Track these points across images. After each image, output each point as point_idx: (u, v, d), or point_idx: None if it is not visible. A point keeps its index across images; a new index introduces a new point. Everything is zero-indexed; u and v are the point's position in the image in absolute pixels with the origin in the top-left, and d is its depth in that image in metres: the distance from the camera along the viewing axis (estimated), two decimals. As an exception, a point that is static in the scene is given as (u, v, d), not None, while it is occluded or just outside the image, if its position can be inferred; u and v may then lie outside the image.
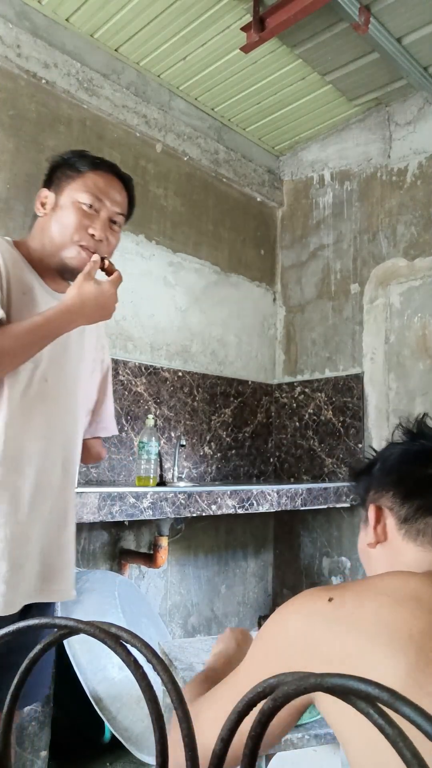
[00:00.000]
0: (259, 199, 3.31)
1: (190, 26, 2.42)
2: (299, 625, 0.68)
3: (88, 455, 1.42)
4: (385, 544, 0.82)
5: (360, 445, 2.89)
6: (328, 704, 0.65)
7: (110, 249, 1.24)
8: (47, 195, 1.23)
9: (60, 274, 1.24)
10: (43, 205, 1.23)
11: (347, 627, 0.64)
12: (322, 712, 0.66)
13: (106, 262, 1.21)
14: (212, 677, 0.88)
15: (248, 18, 2.32)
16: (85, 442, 1.38)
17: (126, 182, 1.27)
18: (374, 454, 0.94)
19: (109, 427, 1.45)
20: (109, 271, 1.22)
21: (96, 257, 1.19)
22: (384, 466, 0.87)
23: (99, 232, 1.20)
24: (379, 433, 2.85)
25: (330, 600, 0.68)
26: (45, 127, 2.38)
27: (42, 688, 1.30)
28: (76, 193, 1.20)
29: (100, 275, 1.19)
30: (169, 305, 2.79)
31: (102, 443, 1.48)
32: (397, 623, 0.62)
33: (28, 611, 1.18)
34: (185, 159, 2.91)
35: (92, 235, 1.20)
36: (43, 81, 2.37)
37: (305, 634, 0.66)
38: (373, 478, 0.88)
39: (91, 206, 1.20)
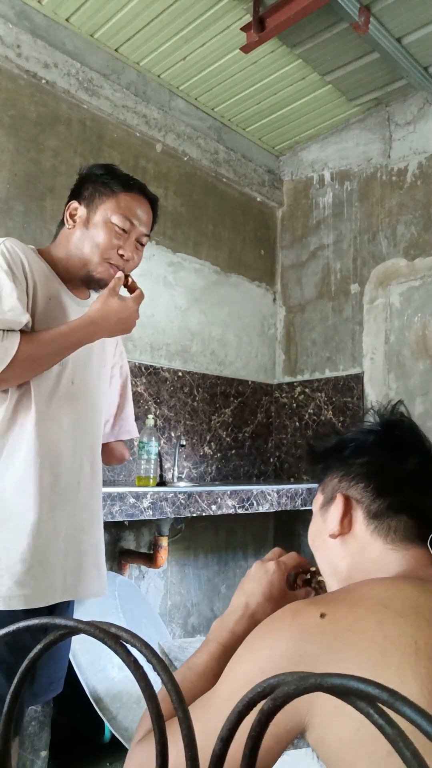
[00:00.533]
0: (259, 199, 3.31)
1: (190, 26, 2.42)
2: (287, 648, 0.60)
3: (112, 457, 1.51)
4: (347, 537, 0.77)
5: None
6: (324, 731, 0.58)
7: (134, 266, 1.32)
8: (77, 208, 1.29)
9: (85, 284, 1.31)
10: (72, 217, 1.29)
11: (347, 645, 0.58)
12: (315, 743, 0.59)
13: (130, 280, 1.29)
14: (232, 648, 0.75)
15: (248, 18, 2.32)
16: (109, 444, 1.48)
17: (153, 203, 1.36)
18: (336, 434, 0.87)
19: (131, 430, 1.54)
20: (131, 288, 1.29)
21: (120, 274, 1.27)
22: (356, 453, 0.80)
23: (128, 253, 1.28)
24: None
25: (322, 616, 0.62)
26: (45, 127, 2.38)
27: (57, 684, 1.31)
28: (110, 213, 1.26)
29: (123, 291, 1.27)
30: (169, 305, 2.80)
31: (124, 445, 1.56)
32: (402, 638, 0.57)
33: (54, 609, 1.21)
34: (185, 159, 2.91)
35: (121, 255, 1.27)
36: (43, 81, 2.37)
37: (296, 658, 0.59)
38: (341, 462, 0.81)
39: (123, 229, 1.26)
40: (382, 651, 0.57)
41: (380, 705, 0.25)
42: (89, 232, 1.26)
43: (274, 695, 0.28)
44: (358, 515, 0.77)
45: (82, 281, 1.30)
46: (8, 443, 1.16)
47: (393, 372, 2.85)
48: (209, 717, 0.61)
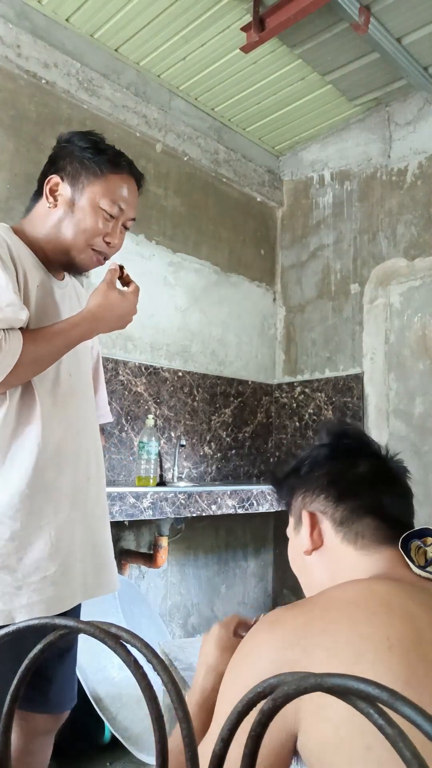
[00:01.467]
0: (259, 199, 3.31)
1: (190, 26, 2.42)
2: (270, 659, 0.61)
3: None
4: (322, 550, 0.79)
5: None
6: (306, 736, 0.58)
7: (117, 250, 1.24)
8: (58, 184, 1.17)
9: (63, 268, 1.23)
10: (52, 193, 1.17)
11: (323, 647, 0.59)
12: (301, 749, 0.59)
13: (124, 272, 1.21)
14: (209, 701, 0.80)
15: (248, 18, 2.32)
16: None
17: (140, 181, 1.25)
18: (294, 457, 0.90)
19: (105, 414, 1.45)
20: (125, 280, 1.21)
21: (115, 266, 1.20)
22: (313, 469, 0.83)
23: (115, 240, 1.20)
24: (379, 433, 2.85)
25: (301, 622, 0.63)
26: (45, 127, 2.38)
27: (72, 693, 1.29)
28: (99, 197, 1.16)
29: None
30: (169, 305, 2.80)
31: (100, 430, 1.45)
32: (375, 635, 0.59)
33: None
34: (185, 159, 2.91)
35: (108, 243, 1.19)
36: (43, 81, 2.37)
37: (279, 666, 0.60)
38: (300, 481, 0.83)
39: (110, 215, 1.17)
40: (356, 650, 0.58)
41: (380, 705, 0.25)
42: (74, 216, 1.16)
43: (274, 695, 0.28)
44: (326, 526, 0.79)
45: (60, 265, 1.21)
46: (13, 445, 1.08)
47: (393, 372, 2.85)
48: (208, 742, 0.64)
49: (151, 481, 2.25)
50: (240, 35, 2.41)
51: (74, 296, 1.30)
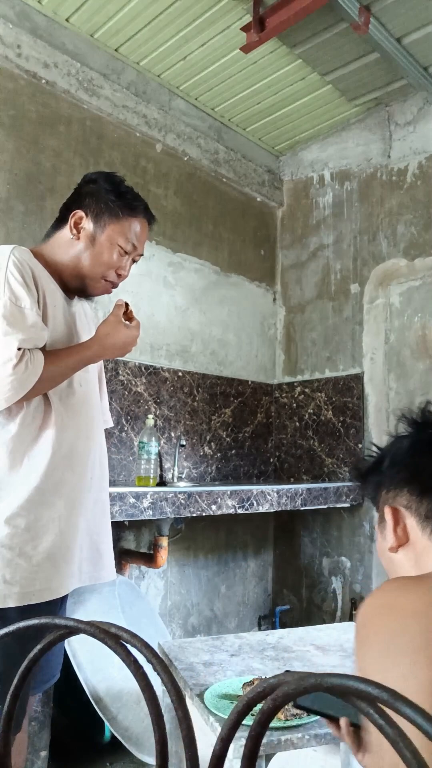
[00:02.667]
0: (259, 199, 3.31)
1: (190, 26, 2.42)
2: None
3: None
4: (408, 547, 0.76)
5: (360, 445, 2.89)
6: None
7: (124, 279, 1.41)
8: (82, 218, 1.33)
9: (75, 292, 1.38)
10: (76, 226, 1.33)
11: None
12: None
13: (129, 308, 1.39)
14: None
15: (248, 18, 2.32)
16: None
17: (150, 222, 1.42)
18: (377, 450, 0.88)
19: (107, 420, 1.56)
20: (129, 317, 1.38)
21: (122, 302, 1.37)
22: (394, 462, 0.81)
23: (125, 272, 1.38)
24: (379, 433, 2.85)
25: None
26: (45, 127, 2.38)
27: (55, 671, 1.38)
28: (117, 236, 1.33)
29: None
30: (169, 305, 2.80)
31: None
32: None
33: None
34: (185, 159, 2.91)
35: (119, 275, 1.37)
36: (43, 81, 2.37)
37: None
38: (383, 476, 0.82)
39: (125, 251, 1.35)
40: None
41: (380, 705, 0.25)
42: (94, 249, 1.32)
43: (274, 695, 0.28)
44: (411, 522, 0.76)
45: (74, 289, 1.37)
46: (33, 448, 1.22)
47: (393, 372, 2.85)
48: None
49: (151, 481, 2.25)
50: (240, 35, 2.41)
51: (83, 314, 1.44)
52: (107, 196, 1.34)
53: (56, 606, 1.26)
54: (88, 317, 1.49)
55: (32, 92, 2.35)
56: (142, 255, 1.42)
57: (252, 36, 2.31)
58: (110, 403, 2.44)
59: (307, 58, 2.58)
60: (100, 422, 1.42)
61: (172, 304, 2.81)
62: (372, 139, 3.03)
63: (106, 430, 1.50)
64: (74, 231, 1.33)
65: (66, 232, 1.34)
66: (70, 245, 1.33)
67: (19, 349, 1.13)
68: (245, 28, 2.35)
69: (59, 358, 1.23)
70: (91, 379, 1.40)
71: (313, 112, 3.03)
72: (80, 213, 1.33)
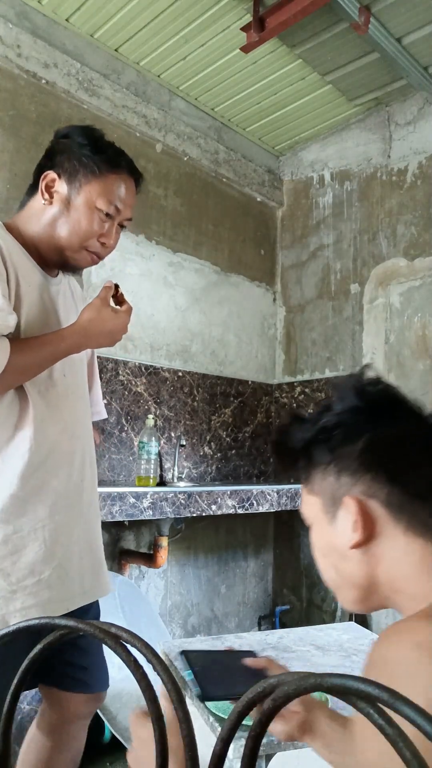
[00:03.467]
0: (259, 199, 3.31)
1: (190, 26, 2.42)
2: None
3: None
4: (372, 544, 0.65)
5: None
6: None
7: (112, 250, 1.22)
8: (55, 180, 1.15)
9: (57, 266, 1.21)
10: (48, 190, 1.15)
11: None
12: None
13: (119, 291, 1.21)
14: None
15: (248, 18, 2.32)
16: None
17: (138, 181, 1.23)
18: (299, 419, 0.72)
19: (100, 411, 1.44)
20: (120, 300, 1.21)
21: (110, 284, 1.19)
22: (348, 440, 0.66)
23: (110, 240, 1.18)
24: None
25: None
26: (45, 127, 2.38)
27: (105, 675, 1.32)
28: (96, 197, 1.13)
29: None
30: (169, 305, 2.80)
31: (95, 428, 1.43)
32: None
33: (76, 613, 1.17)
34: (185, 159, 2.91)
35: (103, 243, 1.18)
36: (43, 81, 2.37)
37: None
38: (334, 456, 0.67)
39: (107, 214, 1.15)
40: None
41: (380, 705, 0.25)
42: (70, 215, 1.14)
43: (274, 695, 0.28)
44: (380, 514, 0.64)
45: (54, 263, 1.19)
46: (6, 449, 1.08)
47: (393, 372, 2.85)
48: None
49: (151, 481, 2.25)
50: (240, 35, 2.41)
51: (69, 293, 1.28)
52: (82, 150, 1.14)
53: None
54: (76, 297, 1.31)
55: (32, 92, 2.35)
56: (130, 219, 1.22)
57: (252, 36, 2.31)
58: (110, 403, 2.44)
59: (307, 58, 2.58)
60: (88, 417, 1.26)
61: (172, 304, 2.81)
62: (372, 139, 3.03)
63: (105, 428, 1.42)
64: (46, 195, 1.14)
65: (38, 198, 1.16)
66: (43, 212, 1.15)
67: None
68: (245, 28, 2.34)
69: (30, 348, 1.06)
70: (78, 368, 1.24)
71: (313, 112, 3.03)
72: (52, 174, 1.14)
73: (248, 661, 0.94)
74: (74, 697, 1.25)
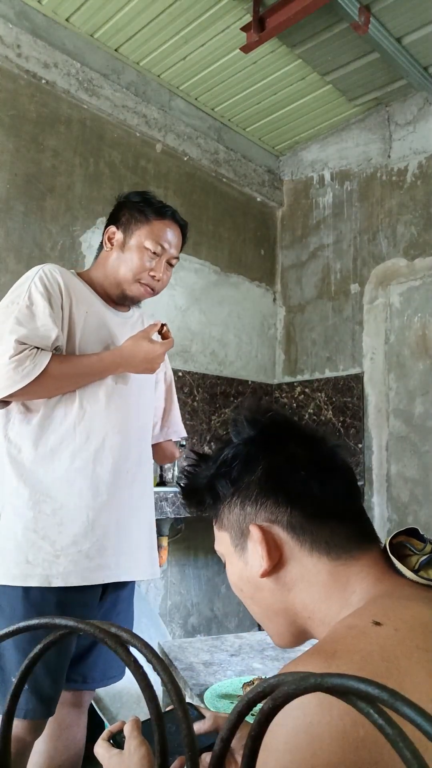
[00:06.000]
0: (259, 199, 3.31)
1: (190, 26, 2.42)
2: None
3: (163, 456, 1.64)
4: (281, 569, 0.65)
5: (360, 445, 2.89)
6: None
7: (164, 284, 1.45)
8: (115, 232, 1.41)
9: (120, 301, 1.44)
10: (110, 240, 1.41)
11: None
12: None
13: (165, 328, 1.42)
14: None
15: (248, 18, 2.32)
16: (159, 444, 1.60)
17: (183, 228, 1.46)
18: (197, 459, 0.74)
19: (179, 430, 1.64)
20: (164, 336, 1.42)
21: (158, 322, 1.41)
22: (245, 470, 0.68)
23: (159, 274, 1.40)
24: (379, 432, 2.85)
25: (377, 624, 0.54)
26: (45, 127, 2.38)
27: (118, 672, 1.42)
28: (144, 239, 1.38)
29: (155, 336, 1.40)
30: (169, 305, 2.79)
31: (174, 445, 1.65)
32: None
33: (108, 589, 1.34)
34: (185, 159, 2.91)
35: (153, 276, 1.40)
36: (43, 81, 2.37)
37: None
38: (233, 488, 0.68)
39: (154, 252, 1.38)
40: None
41: (380, 705, 0.25)
42: (124, 255, 1.39)
43: (274, 695, 0.28)
44: (284, 538, 0.65)
45: (117, 298, 1.42)
46: (66, 439, 1.28)
47: (393, 372, 2.85)
48: None
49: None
50: (240, 35, 2.41)
51: (134, 327, 1.48)
52: (135, 205, 1.41)
53: (90, 595, 1.27)
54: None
55: (32, 92, 2.35)
56: (177, 258, 1.45)
57: (252, 36, 2.31)
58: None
59: (307, 58, 2.58)
60: (142, 423, 1.44)
61: (172, 304, 2.81)
62: (372, 139, 3.03)
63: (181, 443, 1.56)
64: (108, 244, 1.41)
65: (104, 249, 1.43)
66: (106, 257, 1.42)
67: (22, 343, 1.21)
68: (245, 28, 2.34)
69: (70, 361, 1.28)
70: (134, 380, 1.42)
71: (313, 112, 3.03)
72: (112, 228, 1.41)
73: (198, 727, 0.81)
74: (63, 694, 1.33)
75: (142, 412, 1.45)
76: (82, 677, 1.35)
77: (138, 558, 1.36)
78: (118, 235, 1.41)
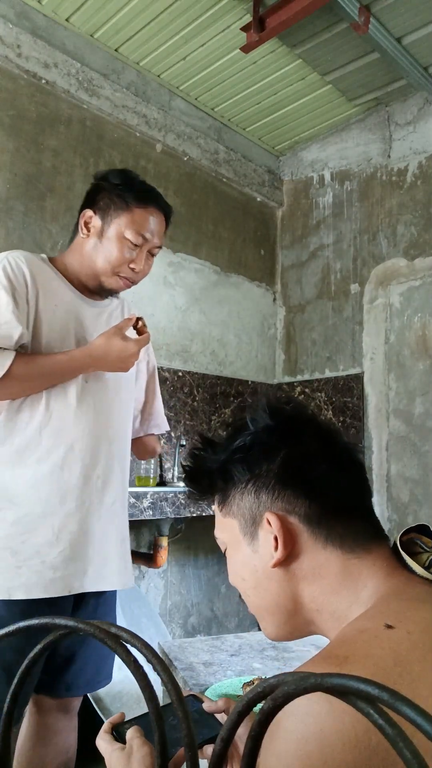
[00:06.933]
0: (259, 199, 3.31)
1: (190, 26, 2.42)
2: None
3: (144, 451, 1.54)
4: (292, 561, 0.64)
5: (360, 445, 2.89)
6: None
7: (144, 275, 1.35)
8: (92, 217, 1.30)
9: (96, 292, 1.35)
10: (86, 225, 1.30)
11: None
12: None
13: (140, 323, 1.32)
14: None
15: (248, 18, 2.32)
16: (140, 439, 1.50)
17: (167, 214, 1.36)
18: (205, 443, 0.74)
19: (161, 424, 1.54)
20: (140, 331, 1.32)
21: (133, 316, 1.32)
22: (263, 456, 0.67)
23: (139, 266, 1.31)
24: (379, 433, 2.85)
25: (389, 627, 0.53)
26: (45, 127, 2.38)
27: (104, 677, 1.36)
28: (124, 228, 1.28)
29: (131, 332, 1.30)
30: (169, 305, 2.79)
31: (156, 439, 1.56)
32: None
33: (85, 598, 1.27)
34: (185, 159, 2.91)
35: (132, 269, 1.31)
36: (43, 81, 2.37)
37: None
38: (250, 474, 0.67)
39: (135, 244, 1.29)
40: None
41: (380, 705, 0.25)
42: (102, 245, 1.29)
43: (274, 695, 0.28)
44: (300, 530, 0.64)
45: (94, 289, 1.33)
46: (21, 445, 1.20)
47: (393, 372, 2.85)
48: None
49: (151, 481, 2.25)
50: (240, 35, 2.41)
51: (119, 317, 1.40)
52: (115, 188, 1.30)
53: (60, 607, 1.20)
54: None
55: (32, 92, 2.35)
56: (159, 247, 1.36)
57: (252, 36, 2.31)
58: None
59: (307, 58, 2.58)
60: (119, 424, 1.34)
61: (172, 304, 2.81)
62: (372, 139, 3.03)
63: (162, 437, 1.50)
64: (84, 230, 1.31)
65: (79, 234, 1.32)
66: (82, 245, 1.31)
67: None
68: (245, 28, 2.34)
69: (35, 362, 1.19)
70: (107, 379, 1.32)
71: (313, 112, 3.03)
72: (89, 212, 1.30)
73: (208, 706, 0.82)
74: (43, 698, 1.30)
75: (119, 412, 1.35)
76: (66, 685, 1.29)
77: (109, 568, 1.28)
78: (96, 221, 1.29)
